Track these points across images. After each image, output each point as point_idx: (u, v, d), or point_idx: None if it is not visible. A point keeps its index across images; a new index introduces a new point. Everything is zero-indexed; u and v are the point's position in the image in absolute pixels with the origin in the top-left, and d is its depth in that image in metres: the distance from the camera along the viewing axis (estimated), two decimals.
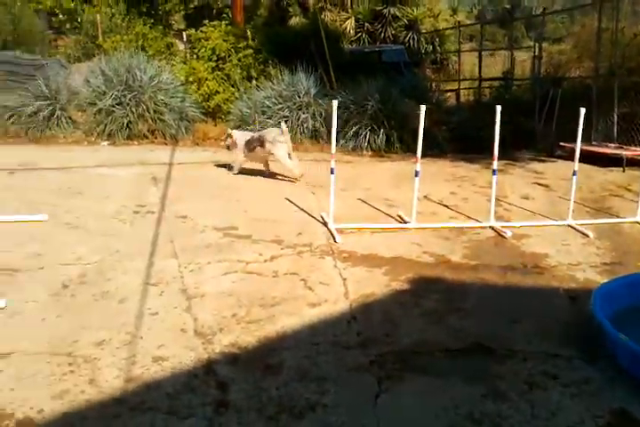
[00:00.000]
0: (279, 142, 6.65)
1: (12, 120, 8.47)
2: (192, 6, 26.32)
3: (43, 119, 8.52)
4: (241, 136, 6.99)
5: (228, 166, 7.12)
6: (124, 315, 3.68)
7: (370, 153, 8.26)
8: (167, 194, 5.85)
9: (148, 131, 8.47)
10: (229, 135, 7.08)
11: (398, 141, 8.31)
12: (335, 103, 5.06)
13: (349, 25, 18.51)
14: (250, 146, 6.84)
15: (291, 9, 20.05)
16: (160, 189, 6.03)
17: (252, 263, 4.45)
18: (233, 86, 9.89)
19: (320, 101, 8.79)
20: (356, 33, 18.39)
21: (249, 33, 11.23)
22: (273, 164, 7.01)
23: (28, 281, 4.05)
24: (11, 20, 12.31)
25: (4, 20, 12.11)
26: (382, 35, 18.14)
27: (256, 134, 6.98)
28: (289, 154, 6.68)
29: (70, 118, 8.79)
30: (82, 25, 13.38)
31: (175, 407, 2.90)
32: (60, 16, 20.88)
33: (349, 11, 19.06)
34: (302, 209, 5.65)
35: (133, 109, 8.41)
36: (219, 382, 3.10)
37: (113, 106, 8.43)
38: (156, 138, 8.46)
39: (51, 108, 8.64)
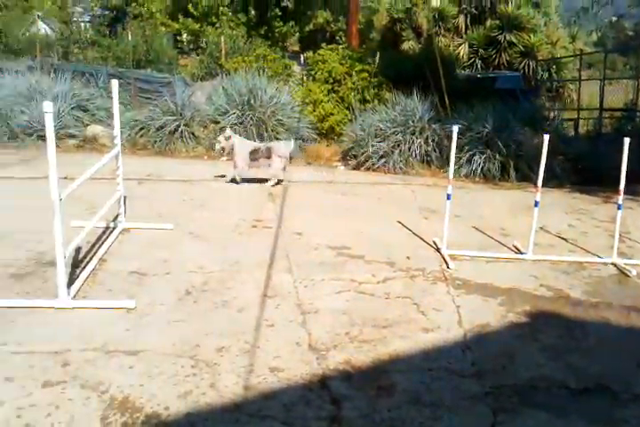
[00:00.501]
0: (285, 158, 7.02)
1: (141, 133, 9.05)
2: (307, 30, 27.26)
3: (168, 133, 9.04)
4: (241, 143, 6.96)
5: (231, 179, 7.18)
6: (243, 324, 3.83)
7: (483, 180, 8.14)
8: (283, 210, 6.03)
9: None
10: (227, 137, 7.07)
11: (513, 170, 8.15)
12: (455, 129, 5.06)
13: (463, 50, 18.43)
14: (254, 156, 6.94)
15: (404, 33, 20.24)
16: (276, 206, 6.22)
17: (364, 284, 4.49)
18: (347, 109, 10.09)
19: (434, 126, 8.78)
20: (469, 58, 18.27)
21: (365, 57, 11.45)
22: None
23: (155, 285, 4.30)
24: (145, 41, 13.21)
25: (140, 42, 13.01)
26: (496, 61, 17.91)
27: (263, 146, 7.09)
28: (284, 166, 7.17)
29: (193, 134, 9.27)
30: (207, 46, 14.14)
31: (291, 418, 2.97)
32: (185, 37, 22.19)
33: (463, 36, 19.00)
34: (414, 233, 5.65)
35: (253, 128, 8.76)
36: (333, 398, 3.15)
37: (234, 124, 8.82)
38: None
39: (176, 123, 9.15)
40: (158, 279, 4.40)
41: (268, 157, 6.95)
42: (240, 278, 4.45)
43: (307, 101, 10.12)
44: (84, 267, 4.47)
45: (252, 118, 8.82)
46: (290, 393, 3.18)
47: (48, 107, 3.60)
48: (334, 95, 10.40)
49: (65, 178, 3.76)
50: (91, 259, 4.63)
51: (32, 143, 8.69)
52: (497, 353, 3.65)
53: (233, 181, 7.03)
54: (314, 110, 9.95)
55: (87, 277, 4.32)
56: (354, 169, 8.50)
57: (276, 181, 7.07)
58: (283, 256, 4.90)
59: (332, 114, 9.92)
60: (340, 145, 9.28)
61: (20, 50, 12.95)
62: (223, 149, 7.18)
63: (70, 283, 4.05)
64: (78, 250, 4.68)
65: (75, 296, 4.02)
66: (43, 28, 16.28)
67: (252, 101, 8.92)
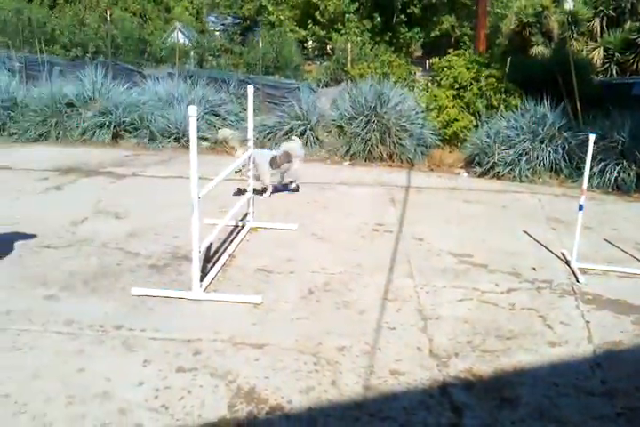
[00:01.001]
0: (301, 157, 6.84)
1: (268, 137, 9.38)
2: (432, 35, 27.03)
3: None
4: (260, 156, 6.27)
5: (260, 191, 6.62)
6: (364, 325, 3.88)
7: (616, 191, 7.69)
8: (404, 215, 6.04)
9: (387, 154, 8.82)
10: (243, 147, 6.61)
11: None
12: (592, 137, 4.83)
13: (597, 55, 17.48)
14: (276, 163, 6.59)
15: (533, 38, 19.53)
16: (398, 210, 6.23)
17: (487, 293, 4.40)
18: (472, 115, 9.89)
19: (565, 134, 8.40)
20: (604, 63, 17.28)
21: (492, 62, 11.17)
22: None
23: (280, 282, 4.46)
24: (273, 48, 13.66)
25: (269, 49, 13.48)
26: (634, 66, 16.83)
27: (280, 152, 6.68)
28: None
29: (317, 138, 9.47)
30: (334, 52, 14.39)
31: (411, 422, 2.98)
32: (311, 43, 22.70)
33: (598, 40, 18.03)
34: (541, 243, 5.45)
35: (376, 134, 8.81)
36: (453, 406, 3.12)
37: (359, 129, 8.93)
38: (393, 161, 8.77)
39: (302, 128, 9.40)
40: (283, 277, 4.55)
41: (289, 161, 6.70)
42: (361, 281, 4.51)
43: (431, 107, 10.02)
44: (215, 262, 4.72)
45: (377, 124, 8.87)
46: (410, 397, 3.19)
47: (192, 111, 3.84)
48: (459, 101, 10.22)
49: (199, 178, 3.98)
50: (221, 255, 4.87)
51: (169, 145, 9.26)
52: (630, 373, 3.46)
53: (264, 191, 6.70)
54: (438, 116, 9.83)
55: (218, 272, 4.56)
56: (478, 177, 8.33)
57: (296, 185, 6.89)
58: (404, 261, 4.91)
59: (456, 120, 9.75)
60: (464, 151, 9.11)
61: (161, 58, 13.82)
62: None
63: (202, 277, 4.29)
64: (210, 246, 4.94)
65: (206, 289, 4.25)
66: (181, 37, 17.31)
67: (378, 108, 8.97)
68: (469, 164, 8.82)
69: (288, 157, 6.70)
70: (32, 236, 5.17)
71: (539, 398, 3.19)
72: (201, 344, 3.62)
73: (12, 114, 9.68)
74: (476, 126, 9.51)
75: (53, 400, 3.09)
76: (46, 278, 4.43)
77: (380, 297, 4.26)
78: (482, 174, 8.37)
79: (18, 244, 5.01)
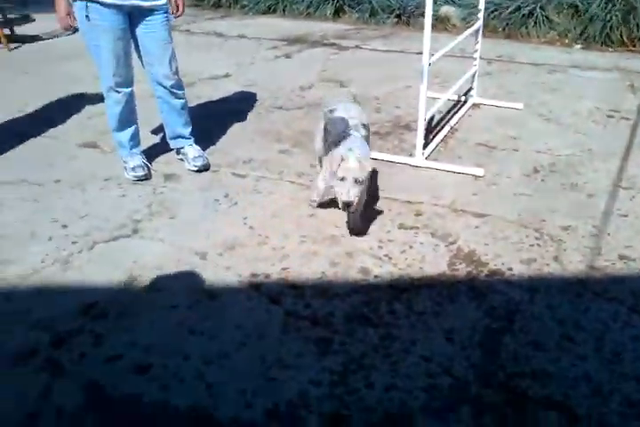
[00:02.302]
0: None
1: (493, 15, 8.78)
2: None
3: (522, 17, 8.60)
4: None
5: None
6: (592, 209, 3.71)
7: None
8: None
9: (628, 38, 7.86)
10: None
11: None
12: None
13: None
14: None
15: None
16: (637, 98, 5.64)
17: None
18: None
19: None
20: None
21: None
22: None
23: (502, 159, 4.36)
24: None
25: None
26: None
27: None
28: None
29: (547, 18, 8.68)
30: None
31: (639, 307, 2.89)
32: None
33: None
34: None
35: (618, 13, 7.84)
36: None
37: (599, 9, 8.00)
38: (634, 46, 7.83)
39: (531, 6, 8.64)
40: (506, 154, 4.44)
41: None
42: (591, 166, 4.25)
43: None
44: (436, 134, 4.71)
45: (619, 2, 7.86)
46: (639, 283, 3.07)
47: None
48: None
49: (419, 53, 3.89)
50: (442, 128, 4.84)
51: (389, 21, 9.07)
52: None
53: None
54: None
55: (439, 143, 4.56)
56: None
57: None
58: None
59: None
60: None
61: None
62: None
63: (425, 145, 4.32)
64: (432, 118, 4.92)
65: (427, 157, 4.30)
66: None
67: None
68: None
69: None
70: (267, 97, 5.52)
71: None
72: (422, 207, 3.73)
73: None
74: None
75: (289, 237, 3.43)
76: (280, 135, 4.76)
77: (612, 183, 4.01)
78: None
79: (256, 103, 5.39)
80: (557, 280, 3.07)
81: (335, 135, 3.34)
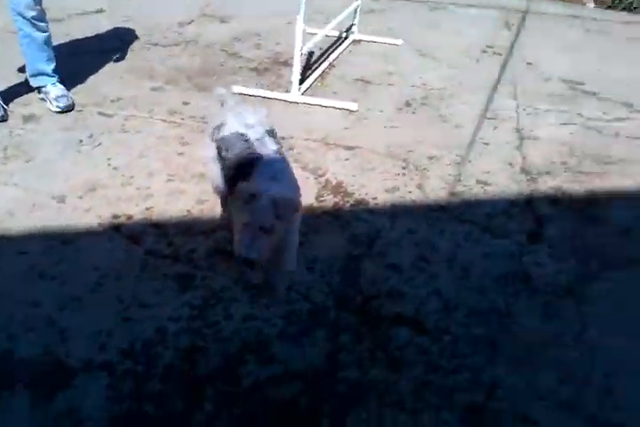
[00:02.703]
0: None
1: None
2: None
3: None
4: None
5: None
6: (457, 139, 3.83)
7: None
8: (517, 40, 5.60)
9: None
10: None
11: None
12: None
13: None
14: None
15: None
16: (511, 34, 5.78)
17: (593, 120, 4.17)
18: None
19: None
20: None
21: None
22: None
23: (377, 93, 4.40)
24: None
25: None
26: None
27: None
28: None
29: None
30: None
31: (491, 227, 3.05)
32: None
33: None
34: None
35: None
36: (536, 217, 3.14)
37: None
38: None
39: None
40: (381, 89, 4.47)
41: None
42: (461, 98, 4.37)
43: None
44: (314, 70, 4.67)
45: None
46: (494, 206, 3.22)
47: None
48: None
49: None
50: (320, 64, 4.80)
51: None
52: None
53: None
54: None
55: (316, 79, 4.53)
56: (607, 8, 7.48)
57: None
58: (509, 83, 4.66)
59: None
60: None
61: None
62: None
63: (301, 81, 4.27)
64: (311, 54, 4.87)
65: (303, 93, 4.27)
66: None
67: None
68: None
69: None
70: (143, 33, 5.25)
71: (627, 219, 3.15)
72: (294, 142, 3.73)
73: None
74: None
75: (155, 177, 3.35)
76: (153, 72, 4.56)
77: (479, 115, 4.14)
78: (611, 6, 7.50)
79: (131, 40, 5.12)
80: (419, 207, 3.18)
81: (236, 163, 2.40)
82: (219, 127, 2.58)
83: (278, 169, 2.37)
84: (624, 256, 2.90)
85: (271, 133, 2.56)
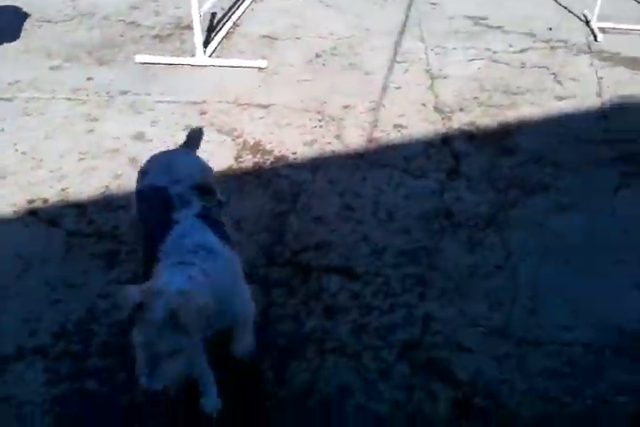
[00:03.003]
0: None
1: None
2: None
3: None
4: None
5: None
6: (370, 85, 3.84)
7: None
8: None
9: None
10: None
11: None
12: None
13: None
14: None
15: None
16: None
17: (499, 53, 4.24)
18: None
19: None
20: None
21: None
22: None
23: (285, 48, 4.33)
24: None
25: None
26: None
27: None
28: None
29: None
30: None
31: (410, 169, 3.10)
32: None
33: None
34: (563, 6, 5.09)
35: None
36: (453, 154, 3.21)
37: None
38: None
39: None
40: (289, 43, 4.40)
41: None
42: (369, 45, 4.35)
43: None
44: (219, 30, 4.55)
45: None
46: (411, 148, 3.27)
47: None
48: None
49: None
50: (225, 24, 4.67)
51: None
52: (636, 122, 3.45)
53: None
54: None
55: (222, 40, 4.42)
56: None
57: None
58: (415, 24, 4.66)
59: None
60: None
61: None
62: None
63: (206, 43, 4.17)
64: (214, 15, 4.73)
65: (210, 55, 4.16)
66: None
67: None
68: None
69: None
70: (34, 10, 4.97)
71: (539, 146, 3.25)
72: (206, 106, 3.65)
73: None
74: None
75: (67, 157, 3.23)
76: (50, 51, 4.34)
77: (389, 59, 4.14)
78: None
79: (20, 18, 4.83)
80: (338, 157, 3.19)
81: (151, 231, 1.93)
82: (143, 174, 2.12)
83: (192, 245, 1.75)
84: (539, 182, 3.00)
85: (203, 188, 2.00)
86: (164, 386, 1.55)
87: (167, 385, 1.56)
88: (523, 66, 4.06)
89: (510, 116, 3.52)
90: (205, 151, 3.21)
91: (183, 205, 1.88)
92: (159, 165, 2.07)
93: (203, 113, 3.57)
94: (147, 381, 1.54)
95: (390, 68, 4.02)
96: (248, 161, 3.17)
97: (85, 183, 3.02)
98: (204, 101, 3.69)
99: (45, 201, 2.91)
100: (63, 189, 2.98)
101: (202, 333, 1.66)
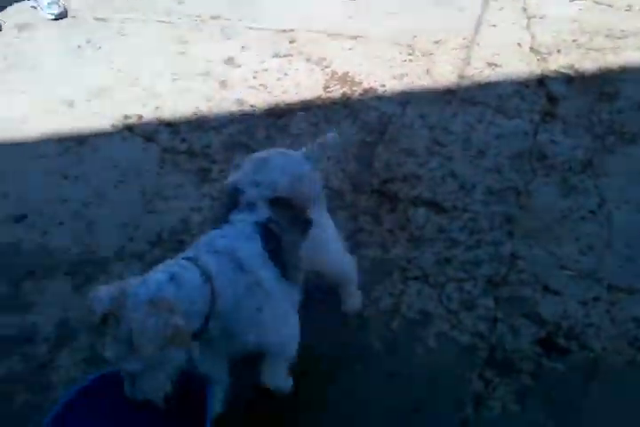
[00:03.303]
0: None
1: None
2: None
3: None
4: None
5: None
6: (463, 22, 3.70)
7: None
8: None
9: None
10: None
11: None
12: None
13: None
14: None
15: None
16: None
17: None
18: None
19: None
20: None
21: None
22: None
23: None
24: None
25: None
26: None
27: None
28: None
29: None
30: None
31: (504, 108, 3.02)
32: None
33: None
34: None
35: None
36: (549, 96, 3.10)
37: None
38: None
39: None
40: None
41: None
42: None
43: None
44: None
45: None
46: (505, 87, 3.17)
47: None
48: None
49: None
50: None
51: None
52: None
53: None
54: None
55: None
56: None
57: None
58: None
59: None
60: None
61: None
62: None
63: None
64: None
65: None
66: None
67: None
68: None
69: None
70: None
71: None
72: (296, 34, 3.61)
73: None
74: None
75: (160, 76, 3.29)
76: None
77: None
78: None
79: None
80: (428, 92, 3.14)
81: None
82: (234, 167, 1.96)
83: (221, 247, 1.55)
84: (638, 133, 2.88)
85: (277, 201, 1.69)
86: (150, 397, 1.39)
87: (150, 398, 1.39)
88: (628, 9, 3.83)
89: (612, 60, 3.35)
90: (294, 80, 3.25)
91: (247, 208, 1.65)
92: (252, 164, 1.80)
93: (292, 41, 3.54)
94: (129, 391, 1.38)
95: (484, 6, 3.86)
96: (336, 91, 3.15)
97: (179, 103, 3.08)
98: (294, 30, 3.64)
99: (140, 117, 2.99)
100: (157, 108, 3.05)
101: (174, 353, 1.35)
